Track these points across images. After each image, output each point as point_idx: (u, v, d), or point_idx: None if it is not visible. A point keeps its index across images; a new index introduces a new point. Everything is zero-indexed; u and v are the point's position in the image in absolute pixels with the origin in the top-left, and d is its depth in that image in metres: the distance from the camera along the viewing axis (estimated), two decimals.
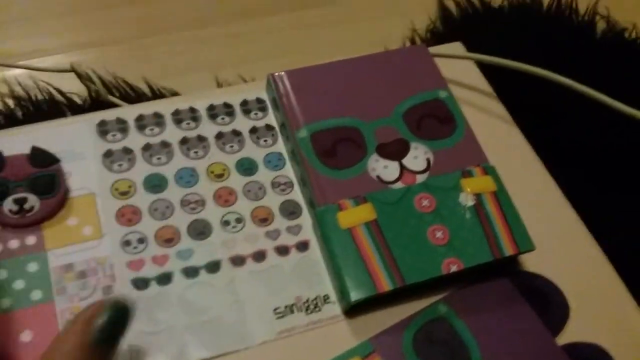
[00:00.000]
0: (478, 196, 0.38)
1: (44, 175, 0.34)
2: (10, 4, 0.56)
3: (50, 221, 0.34)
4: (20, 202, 0.33)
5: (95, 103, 0.48)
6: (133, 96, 0.51)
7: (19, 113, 0.48)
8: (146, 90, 0.51)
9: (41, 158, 0.35)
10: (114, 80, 0.50)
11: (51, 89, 0.49)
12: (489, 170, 0.39)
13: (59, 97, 0.49)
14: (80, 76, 0.46)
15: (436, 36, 0.58)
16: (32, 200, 0.33)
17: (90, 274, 0.32)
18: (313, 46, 0.57)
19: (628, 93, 0.44)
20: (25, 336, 0.30)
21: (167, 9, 0.58)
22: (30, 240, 0.33)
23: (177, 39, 0.56)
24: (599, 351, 0.35)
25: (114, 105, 0.45)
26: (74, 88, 0.49)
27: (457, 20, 0.60)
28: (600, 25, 0.59)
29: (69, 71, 0.47)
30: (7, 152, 0.35)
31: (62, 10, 0.57)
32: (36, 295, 0.31)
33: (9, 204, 0.33)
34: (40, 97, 0.49)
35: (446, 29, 0.58)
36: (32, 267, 0.32)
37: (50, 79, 0.50)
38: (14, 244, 0.32)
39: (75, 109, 0.49)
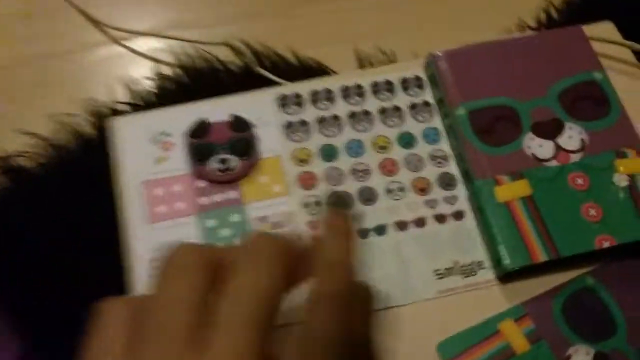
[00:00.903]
0: (632, 177, 0.39)
1: (242, 139, 0.40)
2: None
3: (247, 179, 0.39)
4: (224, 161, 0.39)
5: (248, 73, 0.52)
6: (282, 66, 0.55)
7: (184, 78, 0.53)
8: (293, 60, 0.54)
9: (240, 124, 0.41)
10: (263, 49, 0.54)
11: (212, 59, 0.54)
12: None
13: (218, 65, 0.54)
14: (232, 48, 0.51)
15: (571, 6, 0.57)
16: (233, 161, 0.39)
17: (282, 225, 0.38)
18: (448, 16, 0.58)
19: None
20: None
21: None
22: (232, 194, 0.39)
23: (319, 10, 0.59)
24: None
25: (263, 76, 0.49)
26: (227, 58, 0.54)
27: None
28: None
29: (223, 44, 0.52)
30: (211, 117, 0.41)
31: None
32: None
33: (215, 163, 0.39)
34: (201, 65, 0.54)
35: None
36: (235, 217, 0.38)
37: (207, 50, 0.54)
38: (219, 197, 0.38)
39: (231, 78, 0.53)
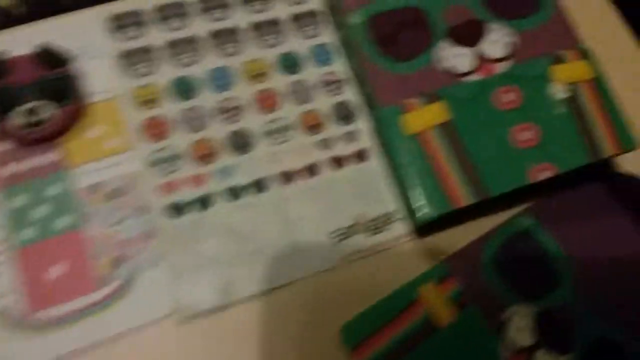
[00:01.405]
0: (572, 86, 0.31)
1: (57, 77, 0.28)
2: None
3: (69, 133, 0.28)
4: (32, 111, 0.28)
5: None
6: None
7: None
8: None
9: (51, 57, 0.29)
10: None
11: None
12: (584, 54, 0.31)
13: None
14: None
15: None
16: (46, 109, 0.28)
17: (121, 195, 0.28)
18: None
19: None
20: (57, 270, 0.26)
21: None
22: (49, 157, 0.28)
23: None
24: None
25: None
26: None
27: None
28: None
29: None
30: (14, 52, 0.29)
31: None
32: (62, 222, 0.27)
33: (19, 116, 0.28)
34: None
35: None
36: (54, 189, 0.27)
37: None
38: (30, 163, 0.28)
39: None
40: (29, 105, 0.28)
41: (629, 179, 0.32)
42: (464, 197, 0.28)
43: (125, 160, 0.28)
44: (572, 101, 0.31)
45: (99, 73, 0.30)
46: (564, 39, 0.32)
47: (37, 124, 0.28)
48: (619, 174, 0.32)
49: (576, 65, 0.31)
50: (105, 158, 0.28)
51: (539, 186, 0.30)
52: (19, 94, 0.28)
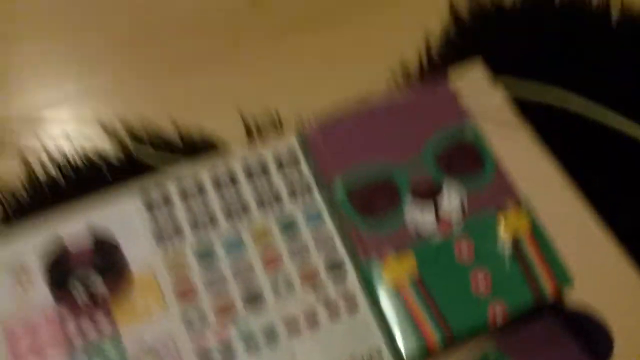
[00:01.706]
0: (515, 235, 0.39)
1: (104, 254, 0.37)
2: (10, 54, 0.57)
3: (115, 301, 0.36)
4: (87, 285, 0.36)
5: (126, 158, 0.50)
6: (163, 142, 0.52)
7: (62, 182, 0.49)
8: (174, 135, 0.52)
9: (101, 238, 0.37)
10: (141, 127, 0.52)
11: (87, 151, 0.50)
12: (523, 207, 0.40)
13: (94, 158, 0.51)
14: (106, 130, 0.48)
15: (450, 44, 0.58)
16: (95, 281, 0.36)
17: (165, 350, 0.35)
18: (331, 65, 0.57)
19: None
20: None
21: (180, 46, 0.58)
22: (103, 322, 0.35)
23: (197, 74, 0.57)
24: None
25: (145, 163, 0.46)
26: (102, 139, 0.51)
27: (469, 21, 0.59)
28: (615, 12, 0.59)
29: (96, 124, 0.49)
30: (69, 237, 0.37)
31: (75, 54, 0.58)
32: None
33: (73, 287, 0.35)
34: (76, 159, 0.50)
35: (459, 34, 0.58)
36: (110, 349, 0.35)
37: (78, 129, 0.51)
38: (88, 328, 0.35)
39: (109, 167, 0.50)
40: (85, 280, 0.36)
41: (578, 311, 0.39)
42: (433, 337, 0.36)
43: (164, 321, 0.36)
44: (517, 248, 0.39)
45: (138, 248, 0.37)
46: (505, 195, 0.40)
47: (88, 293, 0.35)
48: (569, 308, 0.39)
49: (517, 217, 0.40)
50: (149, 319, 0.35)
51: (495, 325, 0.37)
52: (76, 272, 0.36)
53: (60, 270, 0.36)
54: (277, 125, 0.51)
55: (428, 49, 0.56)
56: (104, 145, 0.50)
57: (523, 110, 0.47)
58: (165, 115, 0.52)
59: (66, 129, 0.52)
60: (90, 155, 0.50)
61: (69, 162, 0.49)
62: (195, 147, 0.51)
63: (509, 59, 0.52)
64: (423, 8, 0.60)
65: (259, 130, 0.52)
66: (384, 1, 0.61)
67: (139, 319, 0.36)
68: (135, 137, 0.51)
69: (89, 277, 0.36)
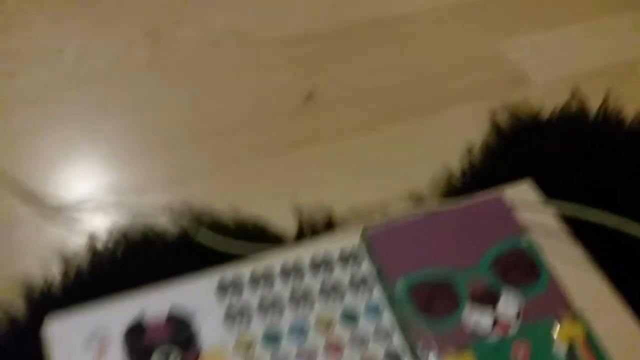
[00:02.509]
0: (570, 342, 0.40)
1: (182, 333, 0.39)
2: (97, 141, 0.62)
3: None
4: (163, 358, 0.38)
5: (185, 241, 0.53)
6: (221, 229, 0.55)
7: (119, 253, 0.52)
8: (231, 223, 0.55)
9: (178, 317, 0.40)
10: (200, 212, 0.55)
11: (147, 230, 0.53)
12: (577, 316, 0.41)
13: (154, 237, 0.54)
14: (171, 217, 0.52)
15: (490, 151, 0.61)
16: (173, 356, 0.38)
17: None
18: (377, 166, 0.61)
19: None
20: None
21: (238, 141, 0.63)
22: None
23: (252, 167, 0.61)
24: None
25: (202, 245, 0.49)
26: (165, 225, 0.54)
27: (509, 134, 0.63)
28: None
29: (158, 214, 0.52)
30: (147, 313, 0.40)
31: (141, 150, 0.62)
32: None
33: None
34: (137, 237, 0.53)
35: (500, 143, 0.62)
36: None
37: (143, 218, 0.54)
38: None
39: (168, 247, 0.53)
40: (158, 351, 0.38)
41: None
42: None
43: None
44: (571, 354, 0.40)
45: (211, 328, 0.40)
46: (560, 303, 0.42)
47: None
48: None
49: (572, 326, 0.41)
50: None
51: None
52: (154, 346, 0.38)
53: (138, 344, 0.38)
54: (330, 220, 0.54)
55: (470, 157, 0.60)
56: (164, 226, 0.54)
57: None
58: (223, 202, 0.55)
59: (130, 211, 0.55)
60: (150, 235, 0.53)
61: (127, 241, 0.52)
62: (249, 235, 0.54)
63: (548, 177, 0.56)
64: (465, 119, 0.65)
65: (311, 224, 0.54)
66: (430, 109, 0.66)
67: None
68: (194, 220, 0.54)
69: (164, 352, 0.38)
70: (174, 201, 0.55)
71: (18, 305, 0.45)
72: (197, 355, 0.38)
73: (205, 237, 0.50)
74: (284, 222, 0.55)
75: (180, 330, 0.39)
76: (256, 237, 0.52)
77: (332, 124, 0.64)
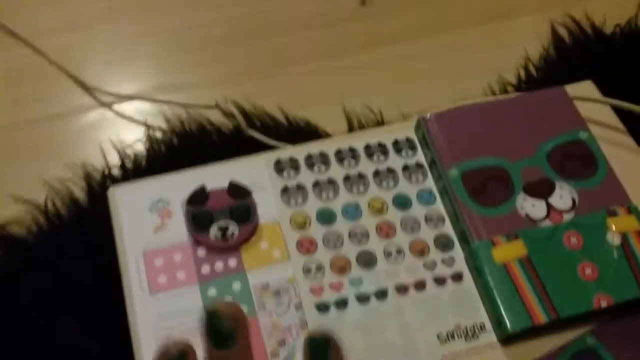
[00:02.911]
0: (624, 235, 0.40)
1: (241, 205, 0.40)
2: (145, 41, 0.62)
3: (247, 245, 0.39)
4: (223, 229, 0.39)
5: (239, 135, 0.53)
6: (272, 127, 0.56)
7: (175, 141, 0.54)
8: (283, 121, 0.56)
9: (238, 191, 0.41)
10: (253, 110, 0.55)
11: (202, 121, 0.54)
12: (632, 210, 0.41)
13: (209, 128, 0.55)
14: (223, 112, 0.52)
15: (549, 63, 0.60)
16: (232, 227, 0.39)
17: (283, 293, 0.38)
18: (430, 74, 0.60)
19: None
20: None
21: (296, 44, 0.63)
22: (232, 262, 0.39)
23: (306, 69, 0.61)
24: None
25: (255, 139, 0.50)
26: (218, 120, 0.55)
27: (570, 47, 0.61)
28: None
29: (213, 107, 0.53)
30: (209, 184, 0.41)
31: (196, 46, 0.63)
32: (243, 309, 0.36)
33: (214, 231, 0.39)
34: (192, 128, 0.54)
35: (559, 56, 0.60)
36: (236, 285, 0.38)
37: (198, 112, 0.55)
38: (219, 266, 0.38)
39: (223, 140, 0.54)
40: (221, 223, 0.39)
41: None
42: (540, 316, 0.37)
43: (286, 268, 0.39)
44: (624, 247, 0.40)
45: (267, 203, 0.41)
46: (616, 197, 0.42)
47: (226, 237, 0.39)
48: None
49: (626, 219, 0.41)
50: (272, 265, 0.39)
51: (602, 312, 0.38)
52: (214, 215, 0.39)
53: (199, 211, 0.40)
54: (380, 124, 0.54)
55: (527, 69, 0.58)
56: (218, 123, 0.54)
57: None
58: (275, 105, 0.56)
59: (184, 106, 0.56)
60: (205, 126, 0.54)
61: (183, 130, 0.53)
62: (301, 134, 0.54)
63: (607, 85, 0.54)
64: (524, 31, 0.63)
65: (360, 126, 0.54)
66: (487, 20, 0.64)
67: (263, 263, 0.39)
68: (245, 114, 0.55)
69: (224, 220, 0.39)
70: (227, 98, 0.55)
71: (82, 188, 0.47)
72: (256, 226, 0.40)
73: (257, 133, 0.51)
74: (335, 124, 0.55)
75: (240, 201, 0.40)
76: (307, 137, 0.53)
77: (386, 29, 0.63)
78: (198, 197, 0.40)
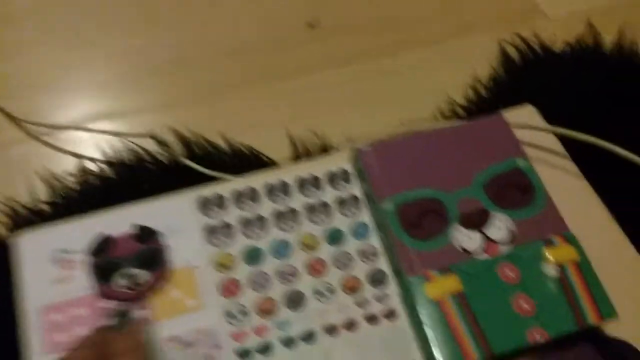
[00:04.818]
0: (561, 266, 0.39)
1: (149, 250, 0.38)
2: (83, 69, 0.60)
3: (157, 294, 0.37)
4: (130, 277, 0.37)
5: (177, 165, 0.51)
6: (214, 153, 0.54)
7: (111, 172, 0.52)
8: (225, 147, 0.54)
9: (145, 234, 0.39)
10: (193, 138, 0.54)
11: (138, 151, 0.52)
12: (570, 239, 0.40)
13: (147, 158, 0.53)
14: (159, 142, 0.50)
15: (498, 84, 0.59)
16: (141, 275, 0.37)
17: (196, 344, 0.35)
18: (378, 97, 0.59)
19: None
20: None
21: (231, 69, 0.61)
22: (141, 313, 0.36)
23: (250, 94, 0.59)
24: None
25: (191, 168, 0.48)
26: (155, 149, 0.53)
27: (519, 66, 0.61)
28: None
29: (148, 136, 0.51)
30: (115, 230, 0.39)
31: (133, 73, 0.61)
32: None
33: (121, 280, 0.37)
34: (129, 158, 0.52)
35: (509, 76, 0.60)
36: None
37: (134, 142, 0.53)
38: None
39: (161, 169, 0.52)
40: (126, 271, 0.37)
41: (615, 341, 0.38)
42: (473, 354, 0.36)
43: (199, 318, 0.36)
44: (561, 279, 0.38)
45: (184, 245, 0.39)
46: (554, 226, 0.41)
47: (133, 286, 0.37)
48: (607, 336, 0.38)
49: (564, 249, 0.40)
50: (184, 315, 0.36)
51: (534, 347, 0.37)
52: (120, 263, 0.37)
53: (103, 260, 0.38)
54: (325, 148, 0.53)
55: (476, 90, 0.58)
56: (155, 152, 0.52)
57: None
58: (216, 131, 0.54)
59: (121, 138, 0.54)
60: (140, 158, 0.52)
61: (117, 162, 0.51)
62: (244, 163, 0.53)
63: (555, 106, 0.53)
64: (473, 50, 0.63)
65: (307, 152, 0.53)
66: (436, 40, 0.64)
67: (174, 313, 0.37)
68: (184, 142, 0.53)
69: (129, 267, 0.37)
70: (166, 126, 0.54)
71: (6, 226, 0.44)
72: (167, 272, 0.38)
73: (193, 164, 0.49)
74: (279, 150, 0.53)
75: (147, 246, 0.38)
76: (251, 164, 0.51)
77: (333, 53, 0.62)
78: (101, 245, 0.38)
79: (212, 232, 0.40)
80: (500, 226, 0.40)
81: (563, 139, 0.47)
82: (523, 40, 0.61)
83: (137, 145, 0.51)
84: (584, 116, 0.53)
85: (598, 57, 0.60)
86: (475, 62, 0.59)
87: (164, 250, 0.38)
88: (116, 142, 0.52)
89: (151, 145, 0.51)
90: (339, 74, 0.60)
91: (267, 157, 0.51)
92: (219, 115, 0.57)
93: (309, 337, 0.36)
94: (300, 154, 0.52)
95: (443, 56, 0.62)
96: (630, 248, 0.42)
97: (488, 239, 0.40)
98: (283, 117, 0.56)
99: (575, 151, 0.47)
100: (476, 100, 0.57)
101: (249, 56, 0.61)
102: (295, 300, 0.38)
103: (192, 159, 0.50)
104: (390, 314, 0.38)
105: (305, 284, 0.39)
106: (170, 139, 0.51)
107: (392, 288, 0.39)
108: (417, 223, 0.40)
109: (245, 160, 0.53)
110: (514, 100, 0.51)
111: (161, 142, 0.50)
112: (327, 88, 0.60)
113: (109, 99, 0.57)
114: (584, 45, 0.61)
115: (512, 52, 0.60)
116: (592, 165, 0.46)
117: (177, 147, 0.51)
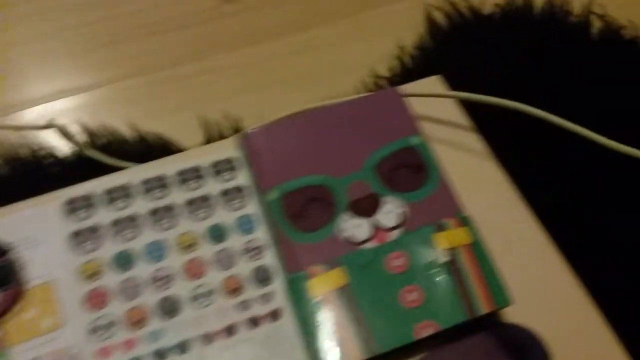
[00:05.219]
0: (453, 251, 0.36)
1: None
2: None
3: (9, 315, 0.34)
4: None
5: (80, 156, 0.48)
6: (121, 142, 0.51)
7: (6, 169, 0.48)
8: (133, 136, 0.51)
9: None
10: (99, 127, 0.50)
11: (38, 144, 0.49)
12: (464, 221, 0.37)
13: (47, 151, 0.49)
14: (61, 132, 0.47)
15: (425, 52, 0.56)
16: None
17: None
18: (297, 74, 0.56)
19: (626, 95, 0.42)
20: None
21: (142, 50, 0.58)
22: None
23: (159, 77, 0.56)
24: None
25: (96, 160, 0.45)
26: (58, 140, 0.49)
27: (447, 31, 0.58)
28: (597, 24, 0.57)
29: (48, 127, 0.47)
30: None
31: (33, 58, 0.57)
32: None
33: None
34: (26, 152, 0.49)
35: (435, 41, 0.57)
36: None
37: (32, 134, 0.50)
38: None
39: (63, 163, 0.49)
40: None
41: (513, 327, 0.37)
42: (357, 353, 0.33)
43: (58, 337, 0.33)
44: (452, 264, 0.36)
45: (43, 258, 0.35)
46: (446, 209, 0.38)
47: None
48: (504, 323, 0.37)
49: (456, 232, 0.37)
50: (41, 336, 0.33)
51: (429, 338, 0.35)
52: None
53: None
54: (238, 131, 0.50)
55: (401, 60, 0.55)
56: (54, 143, 0.49)
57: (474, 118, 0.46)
58: (123, 118, 0.51)
59: (16, 130, 0.51)
60: (40, 153, 0.48)
61: (19, 156, 0.48)
62: (154, 150, 0.50)
63: (480, 71, 0.51)
64: (397, 17, 0.59)
65: (221, 135, 0.50)
66: (361, 7, 0.60)
67: (30, 335, 0.34)
68: (88, 132, 0.50)
69: None
70: (66, 116, 0.50)
71: None
72: (20, 291, 0.34)
73: (98, 154, 0.46)
74: (191, 136, 0.50)
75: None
76: (160, 153, 0.48)
77: (250, 28, 0.58)
78: None
79: (77, 238, 0.36)
80: (391, 211, 0.38)
81: (482, 107, 0.44)
82: (450, 3, 0.58)
83: (36, 137, 0.47)
84: (511, 81, 0.51)
85: (528, 19, 0.57)
86: (400, 31, 0.56)
87: (13, 267, 0.34)
88: (12, 135, 0.48)
89: (52, 138, 0.48)
90: (254, 52, 0.57)
91: (179, 144, 0.48)
92: (126, 103, 0.53)
93: (182, 347, 0.34)
94: (214, 139, 0.49)
95: (366, 27, 0.59)
96: (533, 223, 0.40)
97: (377, 225, 0.37)
98: (195, 101, 0.53)
99: (481, 117, 0.45)
100: (401, 73, 0.54)
101: (159, 37, 0.57)
102: (168, 308, 0.35)
103: (97, 149, 0.47)
104: (275, 315, 0.35)
105: (182, 288, 0.36)
106: (71, 129, 0.48)
107: (278, 285, 0.36)
108: (302, 213, 0.38)
109: (157, 150, 0.50)
110: (442, 69, 0.48)
111: (63, 133, 0.46)
112: (243, 67, 0.56)
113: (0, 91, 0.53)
114: (514, 7, 0.58)
115: (440, 18, 0.57)
116: (498, 130, 0.44)
117: (79, 138, 0.47)
